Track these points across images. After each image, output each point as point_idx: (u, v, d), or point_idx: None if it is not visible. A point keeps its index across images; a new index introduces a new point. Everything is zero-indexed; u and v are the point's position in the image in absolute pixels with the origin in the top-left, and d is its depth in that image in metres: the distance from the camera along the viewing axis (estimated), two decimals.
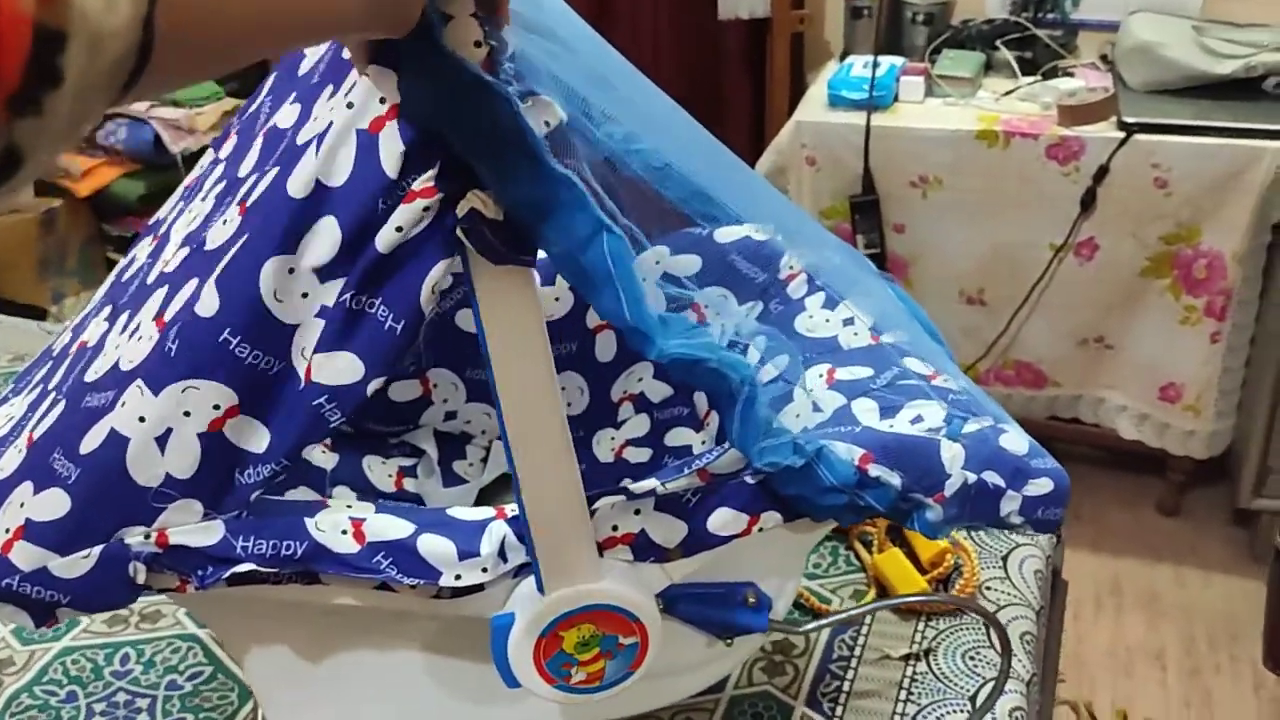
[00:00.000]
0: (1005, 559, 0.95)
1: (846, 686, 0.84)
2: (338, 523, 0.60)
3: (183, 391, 0.54)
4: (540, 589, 0.62)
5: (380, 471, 0.86)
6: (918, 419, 0.66)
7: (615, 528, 0.62)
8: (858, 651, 0.86)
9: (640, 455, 0.85)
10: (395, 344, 0.55)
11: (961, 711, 0.81)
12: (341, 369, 0.55)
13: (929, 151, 1.75)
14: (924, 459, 0.63)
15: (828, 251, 0.82)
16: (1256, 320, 1.71)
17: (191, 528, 0.58)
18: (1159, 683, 1.59)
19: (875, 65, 1.80)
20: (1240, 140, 1.60)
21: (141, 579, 0.58)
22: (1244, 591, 1.75)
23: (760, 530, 0.63)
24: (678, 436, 0.86)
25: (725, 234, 0.82)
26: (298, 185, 0.53)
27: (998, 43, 1.88)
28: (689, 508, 0.62)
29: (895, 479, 0.62)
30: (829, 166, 1.81)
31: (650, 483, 0.60)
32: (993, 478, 0.64)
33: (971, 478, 0.63)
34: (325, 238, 0.54)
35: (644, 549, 0.63)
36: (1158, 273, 1.73)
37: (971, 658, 0.85)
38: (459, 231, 0.52)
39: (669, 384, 0.85)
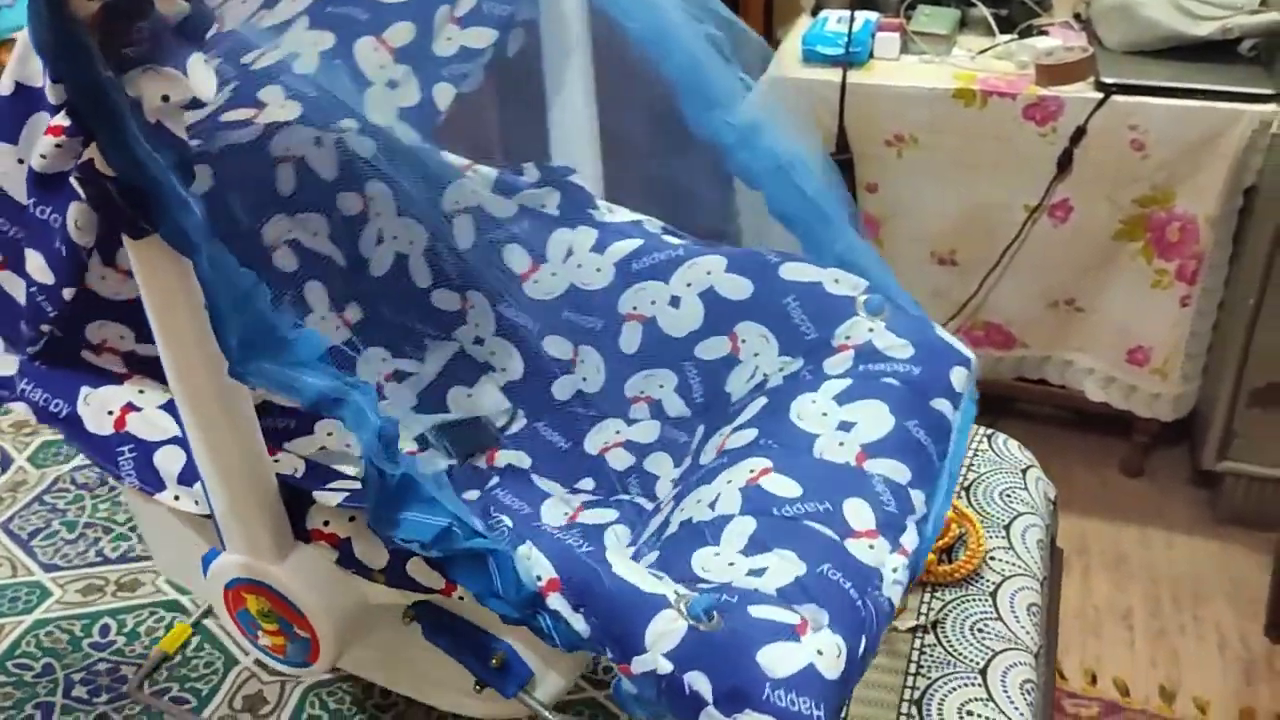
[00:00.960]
0: (1008, 528, 0.94)
1: None
2: (109, 401, 0.63)
3: None
4: (222, 545, 0.62)
5: (374, 367, 0.86)
6: (760, 571, 0.58)
7: (326, 524, 0.61)
8: None
9: (622, 462, 0.81)
10: (65, 265, 0.57)
11: (971, 684, 0.80)
12: (37, 268, 0.59)
13: (905, 110, 1.72)
14: (624, 619, 0.54)
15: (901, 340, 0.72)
16: (1226, 285, 1.72)
17: None
18: (1126, 643, 1.61)
19: (851, 20, 1.76)
20: (1217, 103, 1.60)
21: None
22: (1206, 552, 1.77)
23: (460, 599, 0.59)
24: (656, 463, 0.80)
25: (794, 271, 0.75)
26: (4, 81, 0.55)
27: None
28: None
29: (579, 622, 0.54)
30: (802, 125, 1.77)
31: (335, 496, 0.59)
32: (696, 682, 0.52)
33: (666, 668, 0.53)
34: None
35: (348, 558, 0.61)
36: (1131, 235, 1.73)
37: (979, 630, 0.84)
38: (74, 179, 0.50)
39: (686, 404, 0.80)
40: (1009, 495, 0.97)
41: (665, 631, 0.53)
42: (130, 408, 0.63)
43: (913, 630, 0.84)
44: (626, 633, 0.53)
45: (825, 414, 0.68)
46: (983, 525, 0.93)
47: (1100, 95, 1.64)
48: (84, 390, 0.63)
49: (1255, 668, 1.56)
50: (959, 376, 0.70)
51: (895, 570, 0.61)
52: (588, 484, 0.79)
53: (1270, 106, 1.57)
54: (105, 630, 0.85)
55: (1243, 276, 1.68)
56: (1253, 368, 1.70)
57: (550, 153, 0.83)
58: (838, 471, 0.64)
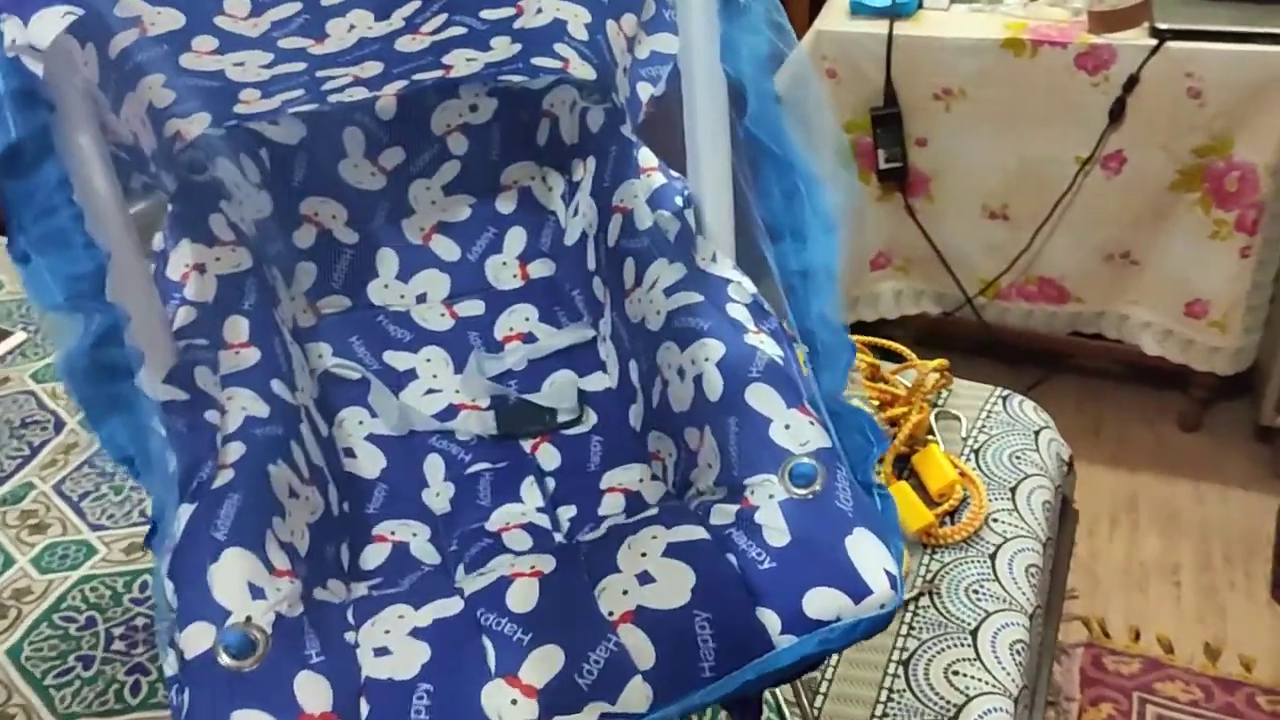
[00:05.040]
0: (1014, 490, 0.94)
1: None
2: None
3: None
4: None
5: (518, 320, 0.91)
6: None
7: None
8: None
9: (615, 509, 0.78)
10: None
11: (960, 645, 0.82)
12: None
13: (954, 62, 1.70)
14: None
15: None
16: None
17: None
18: (1173, 599, 1.60)
19: None
20: (1277, 47, 1.54)
21: None
22: (1263, 508, 1.74)
23: None
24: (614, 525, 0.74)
25: (758, 396, 0.65)
26: None
27: None
28: None
29: None
30: (850, 78, 1.76)
31: None
32: None
33: None
34: None
35: None
36: (1188, 186, 1.68)
37: (974, 592, 0.86)
38: None
39: (674, 480, 0.75)
40: (1018, 458, 0.97)
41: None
42: None
43: (913, 600, 0.86)
44: None
45: (645, 554, 0.60)
46: (987, 488, 0.93)
47: (1154, 42, 1.60)
48: None
49: None
50: (827, 604, 0.56)
51: None
52: (570, 511, 0.77)
53: None
54: (145, 586, 0.91)
55: None
56: None
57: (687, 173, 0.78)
58: (582, 615, 0.57)
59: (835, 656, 0.81)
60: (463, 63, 0.85)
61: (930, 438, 0.97)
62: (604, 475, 0.79)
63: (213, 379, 0.70)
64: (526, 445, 0.83)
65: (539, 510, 0.77)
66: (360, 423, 0.83)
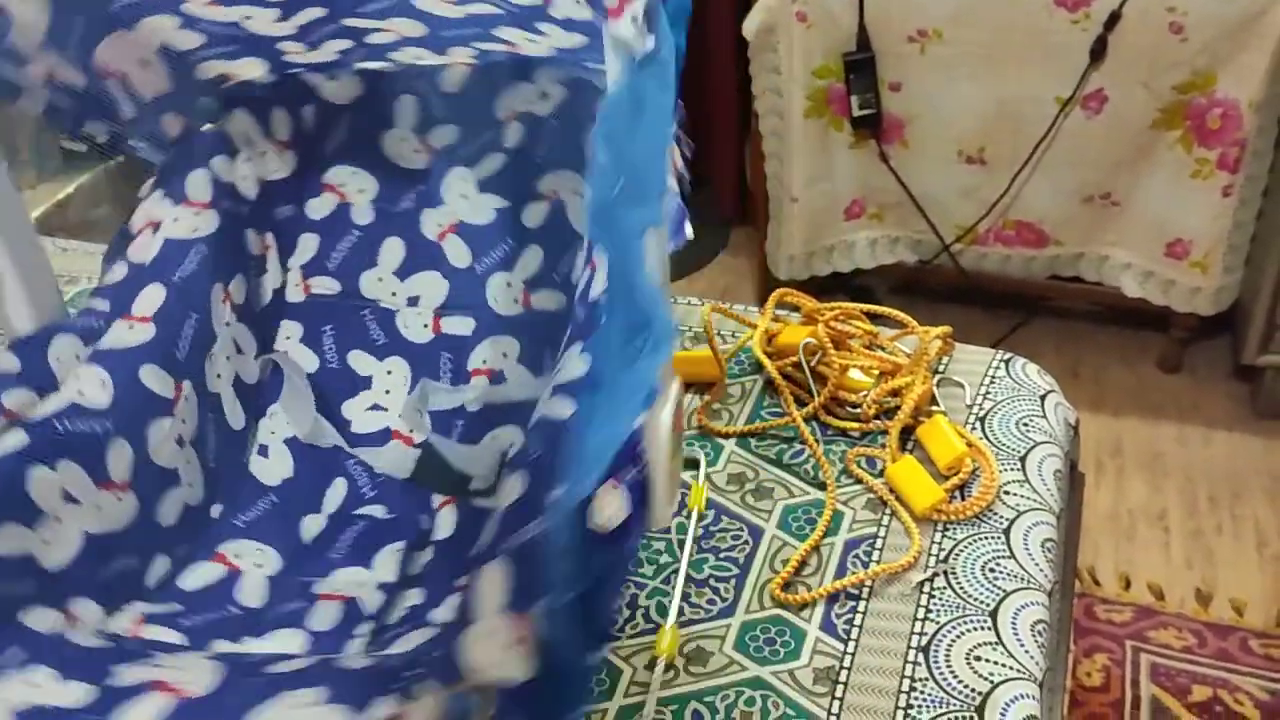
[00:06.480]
0: (1023, 459, 0.91)
1: (862, 607, 0.81)
2: None
3: None
4: None
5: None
6: None
7: None
8: (872, 569, 0.83)
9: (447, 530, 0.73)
10: None
11: (981, 628, 0.78)
12: None
13: (929, 2, 1.64)
14: None
15: None
16: (1270, 170, 1.64)
17: None
18: (1161, 545, 1.59)
19: None
20: None
21: None
22: (1246, 448, 1.73)
23: None
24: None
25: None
26: None
27: None
28: None
29: None
30: (821, 22, 1.70)
31: None
32: None
33: None
34: None
35: None
36: (1169, 124, 1.65)
37: (991, 570, 0.82)
38: None
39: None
40: (1026, 424, 0.94)
41: None
42: None
43: (928, 581, 0.82)
44: None
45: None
46: (997, 458, 0.90)
47: None
48: None
49: None
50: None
51: None
52: (417, 597, 0.69)
53: None
54: None
55: None
56: None
57: None
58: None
59: (852, 643, 0.78)
60: (525, 42, 0.74)
61: (935, 408, 0.93)
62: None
63: (78, 351, 0.62)
64: (437, 500, 0.76)
65: (380, 587, 0.68)
66: (288, 422, 0.77)
